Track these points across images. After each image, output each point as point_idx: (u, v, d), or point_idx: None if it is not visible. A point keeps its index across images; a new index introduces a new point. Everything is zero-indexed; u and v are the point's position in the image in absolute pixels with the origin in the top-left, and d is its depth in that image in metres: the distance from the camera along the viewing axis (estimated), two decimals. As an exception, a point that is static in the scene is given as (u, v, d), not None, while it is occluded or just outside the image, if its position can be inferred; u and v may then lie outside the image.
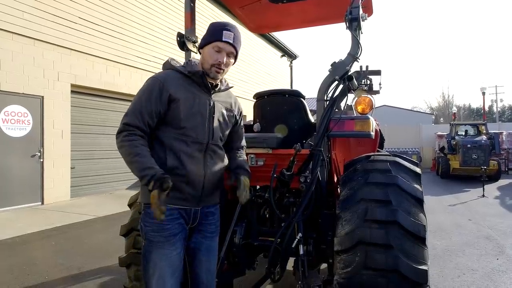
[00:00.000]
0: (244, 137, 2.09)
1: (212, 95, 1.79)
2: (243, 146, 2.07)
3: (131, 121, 1.63)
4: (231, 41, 1.71)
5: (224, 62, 1.72)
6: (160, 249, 1.65)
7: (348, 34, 2.39)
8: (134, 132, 1.62)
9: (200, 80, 1.74)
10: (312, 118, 2.72)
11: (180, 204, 1.71)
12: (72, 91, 8.15)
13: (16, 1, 6.89)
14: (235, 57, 1.81)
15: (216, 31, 1.72)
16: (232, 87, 1.96)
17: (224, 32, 1.70)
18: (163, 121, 1.70)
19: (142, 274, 1.72)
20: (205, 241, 1.82)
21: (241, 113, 2.01)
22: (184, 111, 1.68)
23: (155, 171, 1.54)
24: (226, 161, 1.91)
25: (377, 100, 2.52)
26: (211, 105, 1.77)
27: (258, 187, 2.62)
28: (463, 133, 14.35)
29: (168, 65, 1.80)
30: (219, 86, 1.82)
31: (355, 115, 2.38)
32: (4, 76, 6.79)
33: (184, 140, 1.69)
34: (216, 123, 1.78)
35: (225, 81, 1.90)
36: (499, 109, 38.88)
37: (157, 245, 1.66)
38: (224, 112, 1.83)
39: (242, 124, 2.05)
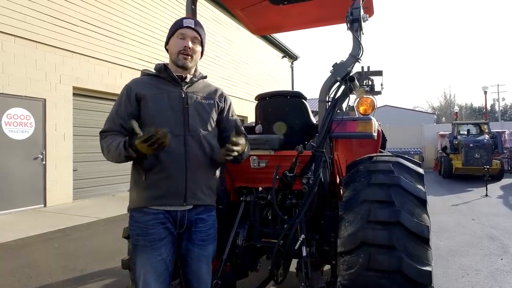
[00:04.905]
0: (240, 126, 1.96)
1: (185, 87, 1.77)
2: (241, 134, 1.88)
3: (106, 128, 1.73)
4: (192, 26, 1.76)
5: (190, 47, 1.75)
6: (143, 254, 1.64)
7: (349, 35, 2.39)
8: (108, 134, 1.71)
9: (166, 75, 1.76)
10: (314, 120, 2.72)
11: (164, 204, 1.66)
12: (74, 94, 8.18)
13: (18, 5, 6.92)
14: (202, 45, 1.83)
15: (176, 22, 1.80)
16: (206, 76, 1.93)
17: (184, 20, 1.78)
18: (140, 123, 1.69)
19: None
20: (195, 249, 1.74)
21: (225, 99, 1.92)
22: (153, 106, 1.70)
23: (124, 138, 1.58)
24: (216, 154, 1.82)
25: (379, 101, 2.52)
26: (183, 96, 1.75)
27: (260, 188, 2.61)
28: (465, 133, 14.29)
29: (141, 73, 1.87)
30: (190, 78, 1.80)
31: (357, 116, 2.37)
32: (7, 79, 6.82)
33: None
34: (192, 114, 1.74)
35: (199, 73, 1.88)
36: (501, 108, 38.67)
37: (141, 249, 1.65)
38: (203, 101, 1.80)
39: (232, 112, 1.95)
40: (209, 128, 1.80)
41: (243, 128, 1.99)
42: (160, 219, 1.65)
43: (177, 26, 1.77)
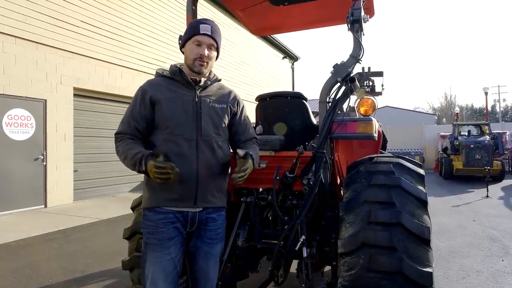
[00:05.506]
0: (252, 129, 2.01)
1: (199, 91, 1.78)
2: (252, 138, 1.97)
3: (121, 130, 1.78)
4: (209, 33, 1.75)
5: (206, 55, 1.75)
6: (153, 252, 1.69)
7: (349, 35, 2.39)
8: (124, 136, 1.75)
9: (180, 78, 1.77)
10: (314, 120, 2.72)
11: (176, 206, 1.70)
12: (74, 94, 8.18)
13: (19, 6, 6.93)
14: (217, 50, 1.83)
15: (193, 27, 1.79)
16: (220, 79, 1.93)
17: (201, 25, 1.76)
18: (154, 126, 1.76)
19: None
20: (203, 246, 1.78)
21: (238, 103, 1.93)
22: (167, 110, 1.72)
23: (143, 152, 1.63)
24: (227, 158, 1.85)
25: (379, 101, 2.52)
26: (197, 101, 1.76)
27: (261, 189, 2.61)
28: (466, 134, 14.24)
29: (156, 74, 1.88)
30: (204, 81, 1.81)
31: (357, 116, 2.37)
32: (7, 80, 6.83)
33: (172, 139, 1.70)
34: (205, 118, 1.75)
35: (213, 75, 1.89)
36: (502, 109, 38.68)
37: (151, 248, 1.69)
38: (215, 105, 1.81)
39: (245, 115, 1.97)
40: (221, 133, 1.82)
41: (253, 130, 2.03)
42: (170, 218, 1.70)
43: (194, 32, 1.76)
